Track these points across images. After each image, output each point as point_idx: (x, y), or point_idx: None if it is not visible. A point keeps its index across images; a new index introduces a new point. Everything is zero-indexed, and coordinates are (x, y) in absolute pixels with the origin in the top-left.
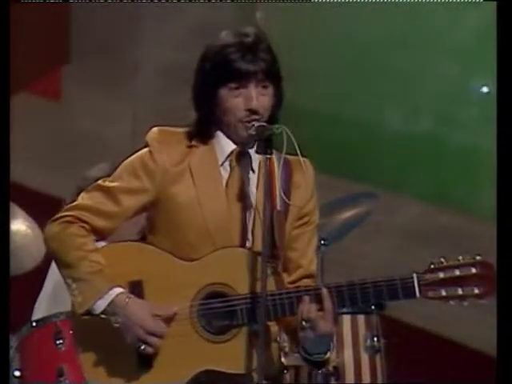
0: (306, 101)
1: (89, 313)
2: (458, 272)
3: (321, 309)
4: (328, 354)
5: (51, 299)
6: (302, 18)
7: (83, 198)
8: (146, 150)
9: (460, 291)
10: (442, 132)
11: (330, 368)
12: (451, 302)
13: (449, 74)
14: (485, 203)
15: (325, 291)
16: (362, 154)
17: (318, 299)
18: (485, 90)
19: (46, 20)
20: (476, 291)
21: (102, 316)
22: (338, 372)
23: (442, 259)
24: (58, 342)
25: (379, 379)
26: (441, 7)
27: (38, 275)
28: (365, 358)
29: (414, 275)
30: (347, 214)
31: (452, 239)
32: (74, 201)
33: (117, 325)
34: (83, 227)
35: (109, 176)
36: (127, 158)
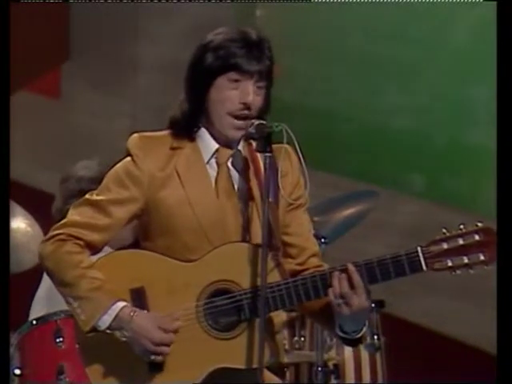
0: (304, 99)
1: (94, 330)
2: (461, 241)
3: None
4: (364, 330)
5: (47, 299)
6: (301, 17)
7: (73, 214)
8: (128, 158)
9: (466, 260)
10: (443, 130)
11: (331, 366)
12: (458, 272)
13: (448, 72)
14: (485, 201)
15: (351, 266)
16: (362, 152)
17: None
18: (484, 88)
19: (46, 19)
20: (482, 258)
21: (108, 332)
22: (339, 370)
23: (444, 230)
24: (58, 341)
25: (379, 377)
26: (440, 7)
27: (37, 273)
28: (365, 356)
29: (419, 248)
30: (347, 212)
31: None
32: (62, 211)
33: (124, 339)
34: (77, 244)
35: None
36: (117, 162)
